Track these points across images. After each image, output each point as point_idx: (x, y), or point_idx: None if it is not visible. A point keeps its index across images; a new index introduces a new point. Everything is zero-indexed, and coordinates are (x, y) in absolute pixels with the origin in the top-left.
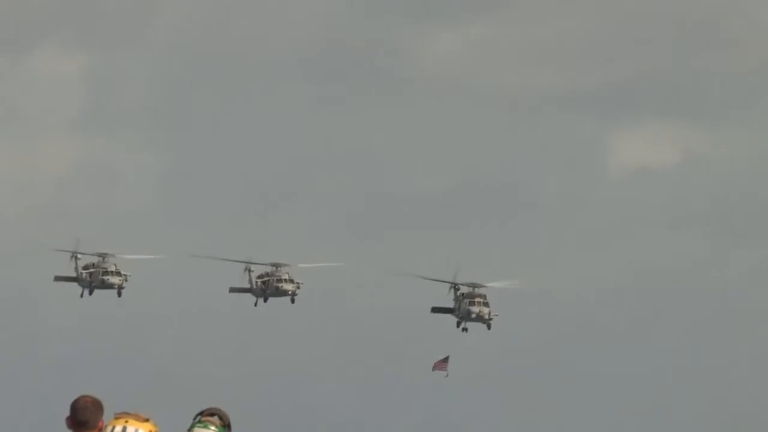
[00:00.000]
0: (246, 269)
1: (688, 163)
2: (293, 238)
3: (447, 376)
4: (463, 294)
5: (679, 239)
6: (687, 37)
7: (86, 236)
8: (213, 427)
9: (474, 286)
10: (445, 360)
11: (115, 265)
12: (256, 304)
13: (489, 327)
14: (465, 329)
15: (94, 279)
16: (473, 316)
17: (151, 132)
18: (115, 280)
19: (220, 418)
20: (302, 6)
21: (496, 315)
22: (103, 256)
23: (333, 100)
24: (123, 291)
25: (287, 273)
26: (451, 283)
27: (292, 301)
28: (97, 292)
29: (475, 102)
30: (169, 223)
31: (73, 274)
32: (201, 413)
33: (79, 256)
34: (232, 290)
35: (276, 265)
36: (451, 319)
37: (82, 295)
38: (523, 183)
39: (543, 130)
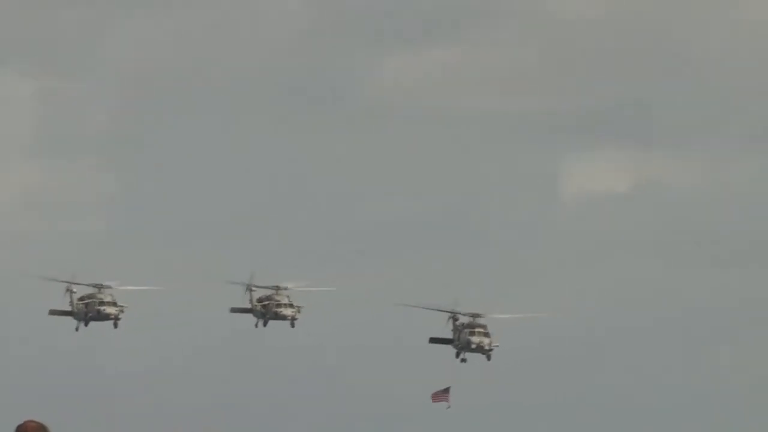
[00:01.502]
0: (247, 289)
1: (641, 190)
2: (288, 260)
3: (449, 407)
4: (462, 324)
5: (640, 265)
6: (640, 65)
7: (79, 267)
8: None
9: (474, 315)
10: (446, 391)
11: (111, 295)
12: (256, 326)
13: (489, 358)
14: (464, 360)
15: (89, 309)
16: (473, 346)
17: (120, 158)
18: (111, 310)
19: None
20: (263, 29)
21: (497, 345)
22: (99, 286)
23: (294, 123)
24: (119, 322)
25: (287, 297)
26: (451, 312)
27: (292, 325)
28: (92, 324)
29: (433, 127)
30: (154, 249)
31: (68, 308)
32: None
33: (74, 289)
34: (233, 310)
35: (276, 288)
36: (449, 350)
37: (77, 329)
38: (480, 210)
39: (497, 156)
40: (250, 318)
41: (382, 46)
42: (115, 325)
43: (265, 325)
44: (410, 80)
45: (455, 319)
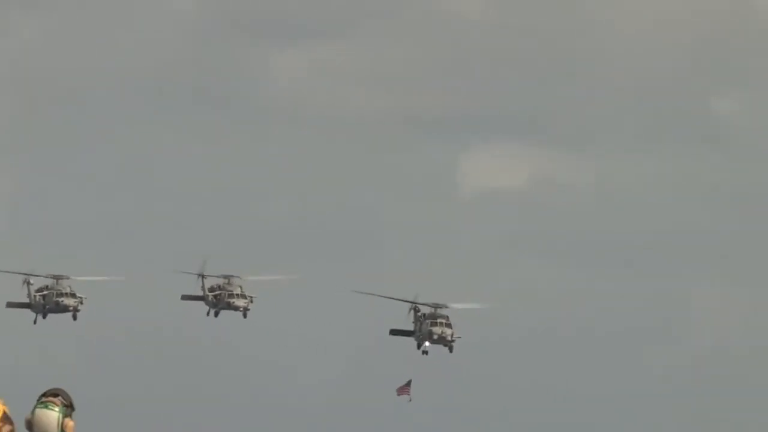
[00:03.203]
0: (199, 276)
1: (536, 186)
2: (242, 250)
3: (410, 400)
4: (424, 315)
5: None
6: (537, 63)
7: (37, 258)
8: (55, 407)
9: (436, 306)
10: (408, 384)
11: (69, 287)
12: (208, 314)
13: (451, 350)
14: (425, 352)
15: (48, 302)
16: (435, 337)
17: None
18: (70, 302)
19: (63, 398)
20: (153, 29)
21: (459, 337)
22: (57, 278)
23: (177, 124)
24: (78, 314)
25: (239, 287)
26: (412, 302)
27: (245, 315)
28: (51, 316)
29: (324, 126)
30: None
31: (26, 300)
32: (44, 394)
33: (31, 280)
34: (184, 297)
35: (228, 277)
36: (410, 342)
37: (35, 321)
38: (375, 206)
39: (391, 153)
40: (202, 306)
41: (273, 46)
42: (74, 317)
43: (216, 315)
44: (298, 80)
45: (416, 310)
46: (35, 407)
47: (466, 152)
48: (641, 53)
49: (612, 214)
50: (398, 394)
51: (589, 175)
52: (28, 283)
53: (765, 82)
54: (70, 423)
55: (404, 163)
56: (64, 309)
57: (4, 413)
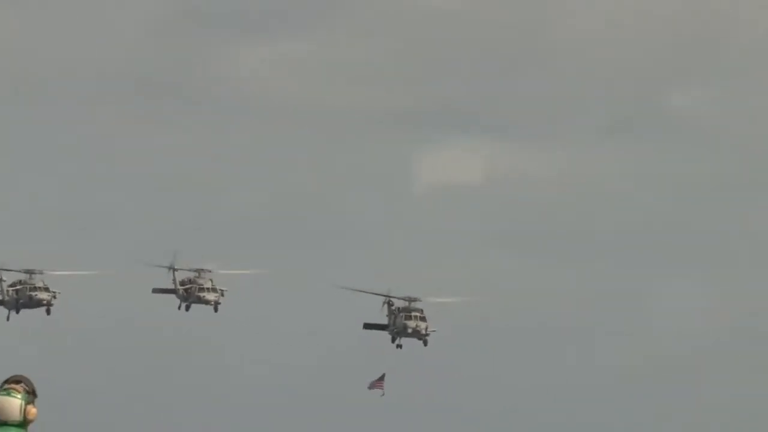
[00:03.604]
0: (170, 268)
1: (492, 181)
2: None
3: (383, 395)
4: (398, 308)
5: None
6: (492, 59)
7: (9, 253)
8: (17, 394)
9: (410, 300)
10: (381, 378)
11: (42, 281)
12: (179, 308)
13: (426, 343)
14: (399, 346)
15: (21, 296)
16: (409, 331)
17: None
18: (43, 296)
19: (25, 385)
20: (115, 21)
21: (434, 330)
22: (30, 272)
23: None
24: (52, 309)
25: (210, 280)
26: (386, 296)
27: (215, 309)
28: (24, 312)
29: (284, 120)
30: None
31: None
32: (6, 381)
33: (4, 277)
34: (155, 291)
35: (199, 271)
36: (384, 336)
37: (8, 318)
38: (347, 202)
39: (351, 148)
40: (174, 299)
41: (237, 39)
42: (48, 312)
43: (187, 309)
44: (262, 74)
45: (390, 304)
46: None
47: (435, 147)
48: (604, 46)
49: (572, 207)
50: (371, 388)
51: (558, 169)
52: (1, 280)
53: (729, 75)
54: (32, 410)
55: (375, 157)
56: (38, 303)
57: None
